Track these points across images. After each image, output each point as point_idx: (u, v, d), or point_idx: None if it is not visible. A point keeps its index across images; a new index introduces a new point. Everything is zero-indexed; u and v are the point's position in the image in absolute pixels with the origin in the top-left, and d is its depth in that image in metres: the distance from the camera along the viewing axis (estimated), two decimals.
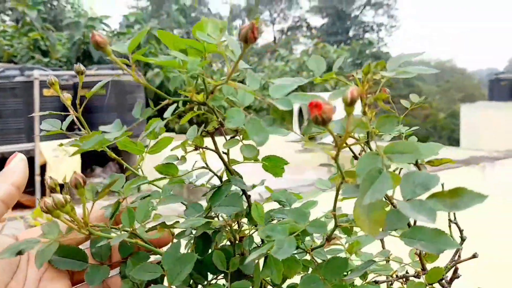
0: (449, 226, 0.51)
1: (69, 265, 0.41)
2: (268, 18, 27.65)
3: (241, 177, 0.40)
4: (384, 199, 0.28)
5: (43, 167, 5.52)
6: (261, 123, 0.31)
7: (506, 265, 3.12)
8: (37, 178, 5.44)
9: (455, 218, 0.52)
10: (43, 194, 5.32)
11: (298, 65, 11.16)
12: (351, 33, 25.76)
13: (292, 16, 27.52)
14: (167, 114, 0.40)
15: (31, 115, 5.50)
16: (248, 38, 0.33)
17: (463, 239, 0.50)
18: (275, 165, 0.40)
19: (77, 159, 5.45)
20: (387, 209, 0.27)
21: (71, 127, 0.49)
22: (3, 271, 0.38)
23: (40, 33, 9.53)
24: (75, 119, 0.47)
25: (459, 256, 0.48)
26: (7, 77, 5.92)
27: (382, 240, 0.57)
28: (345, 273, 0.39)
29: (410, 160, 0.27)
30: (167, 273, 0.35)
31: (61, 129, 0.49)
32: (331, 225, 0.38)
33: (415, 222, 0.40)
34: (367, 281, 0.44)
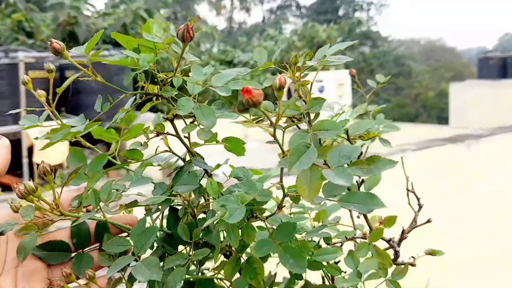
0: (407, 195, 0.55)
1: (56, 258, 0.43)
2: None
3: (202, 158, 0.42)
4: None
5: (30, 149, 5.50)
6: (209, 109, 0.34)
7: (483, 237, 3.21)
8: (25, 161, 5.43)
9: (412, 188, 0.56)
10: (31, 176, 5.32)
11: (287, 45, 11.10)
12: (340, 12, 25.59)
13: None
14: (127, 105, 0.42)
15: (9, 113, 5.46)
16: (185, 38, 0.36)
17: (420, 206, 0.54)
18: (235, 145, 0.42)
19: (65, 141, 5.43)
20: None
21: (58, 110, 0.51)
22: None
23: (23, 14, 9.36)
24: (50, 113, 0.49)
25: (416, 222, 0.52)
26: None
27: (350, 211, 0.61)
28: (299, 234, 0.43)
29: (333, 136, 0.30)
30: (134, 244, 0.38)
31: (38, 123, 0.51)
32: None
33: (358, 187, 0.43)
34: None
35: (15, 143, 5.50)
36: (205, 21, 12.62)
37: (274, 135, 0.32)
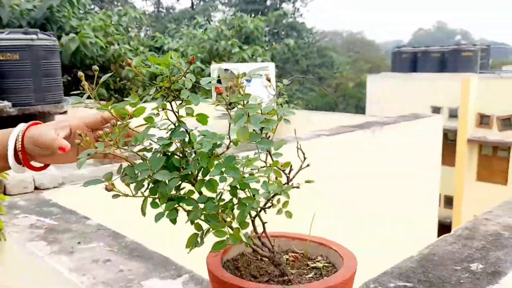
0: (297, 151, 0.93)
1: None
2: None
3: (185, 124, 0.77)
4: (249, 129, 0.68)
5: None
6: (196, 97, 0.69)
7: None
8: None
9: (300, 146, 0.94)
10: None
11: (216, 34, 11.38)
12: (268, 2, 26.18)
13: None
14: (152, 92, 0.75)
15: None
16: (190, 62, 0.70)
17: (305, 158, 0.92)
18: (202, 118, 0.77)
19: None
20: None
21: None
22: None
23: None
24: (91, 95, 0.81)
25: (301, 167, 0.90)
26: None
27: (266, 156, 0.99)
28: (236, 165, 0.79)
29: (254, 112, 0.67)
30: (151, 165, 0.72)
31: None
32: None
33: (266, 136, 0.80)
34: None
35: None
36: (133, 5, 12.48)
37: (227, 110, 0.68)
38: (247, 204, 0.80)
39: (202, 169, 0.76)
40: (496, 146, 12.63)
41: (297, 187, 0.88)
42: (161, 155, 0.74)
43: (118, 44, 9.78)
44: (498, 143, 12.44)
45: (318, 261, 0.95)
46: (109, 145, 0.71)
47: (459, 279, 1.31)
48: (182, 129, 0.75)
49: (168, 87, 0.71)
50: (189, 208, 0.79)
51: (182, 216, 0.79)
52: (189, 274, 1.43)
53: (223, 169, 0.73)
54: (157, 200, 0.77)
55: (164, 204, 0.76)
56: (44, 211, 2.09)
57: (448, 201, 13.58)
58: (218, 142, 0.70)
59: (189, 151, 0.78)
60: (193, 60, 0.69)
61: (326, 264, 0.94)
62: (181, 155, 0.77)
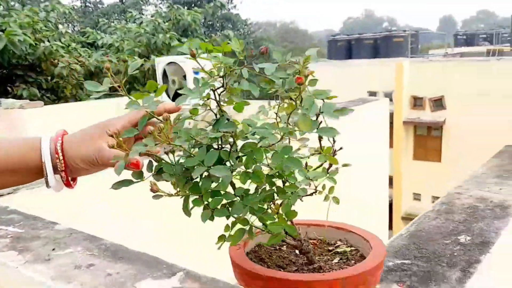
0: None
1: None
2: None
3: (227, 113, 0.71)
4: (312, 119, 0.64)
5: None
6: (255, 86, 0.64)
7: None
8: None
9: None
10: None
11: (153, 27, 11.02)
12: None
13: None
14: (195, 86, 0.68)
15: None
16: (262, 53, 0.64)
17: (334, 141, 0.89)
18: (239, 106, 0.71)
19: None
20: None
21: None
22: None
23: None
24: (117, 88, 0.72)
25: (335, 153, 0.87)
26: None
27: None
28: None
29: (323, 97, 0.62)
30: (204, 162, 0.65)
31: None
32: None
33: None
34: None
35: None
36: (59, 1, 11.70)
37: (296, 100, 0.63)
38: (292, 192, 0.76)
39: (250, 160, 0.71)
40: (429, 126, 13.39)
41: (337, 172, 0.85)
42: (205, 149, 0.68)
43: (49, 41, 9.20)
44: (431, 123, 13.19)
45: (339, 246, 0.93)
46: (160, 141, 0.64)
47: (452, 252, 1.35)
48: (225, 119, 0.70)
49: (224, 75, 0.65)
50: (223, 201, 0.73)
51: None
52: (184, 272, 1.36)
53: (283, 160, 0.69)
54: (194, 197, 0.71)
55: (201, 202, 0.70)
56: (4, 219, 1.92)
57: (389, 181, 14.23)
58: (270, 131, 0.66)
59: (232, 142, 0.73)
60: (266, 50, 0.63)
61: (351, 248, 0.92)
62: (228, 147, 0.71)
